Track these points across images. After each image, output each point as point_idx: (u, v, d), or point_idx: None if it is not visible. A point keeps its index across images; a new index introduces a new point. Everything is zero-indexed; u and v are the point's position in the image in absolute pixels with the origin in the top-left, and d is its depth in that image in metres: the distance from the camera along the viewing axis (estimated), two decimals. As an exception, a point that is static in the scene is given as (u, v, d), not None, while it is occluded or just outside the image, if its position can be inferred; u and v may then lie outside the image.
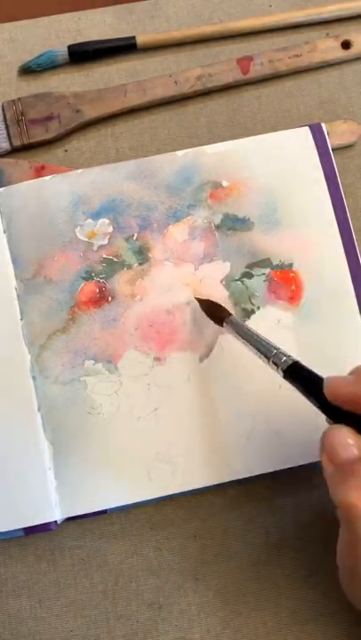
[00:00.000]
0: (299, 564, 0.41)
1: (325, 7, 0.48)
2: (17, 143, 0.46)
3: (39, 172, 0.45)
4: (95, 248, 0.43)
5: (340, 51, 0.48)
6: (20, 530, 0.40)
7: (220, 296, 0.42)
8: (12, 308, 0.42)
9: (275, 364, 0.36)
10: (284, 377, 0.36)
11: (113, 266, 0.43)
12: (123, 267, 0.43)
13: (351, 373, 0.35)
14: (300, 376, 0.35)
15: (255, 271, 0.43)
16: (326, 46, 0.48)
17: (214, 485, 0.41)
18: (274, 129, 0.47)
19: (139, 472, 0.40)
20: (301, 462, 0.41)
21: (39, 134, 0.46)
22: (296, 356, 0.36)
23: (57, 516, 0.40)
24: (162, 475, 0.40)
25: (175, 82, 0.47)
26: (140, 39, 0.48)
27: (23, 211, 0.43)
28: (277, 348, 0.36)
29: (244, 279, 0.43)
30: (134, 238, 0.43)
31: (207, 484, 0.40)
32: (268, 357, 0.36)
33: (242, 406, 0.41)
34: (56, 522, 0.40)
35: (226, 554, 0.41)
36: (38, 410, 0.41)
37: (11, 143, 0.46)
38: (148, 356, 0.42)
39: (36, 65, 0.47)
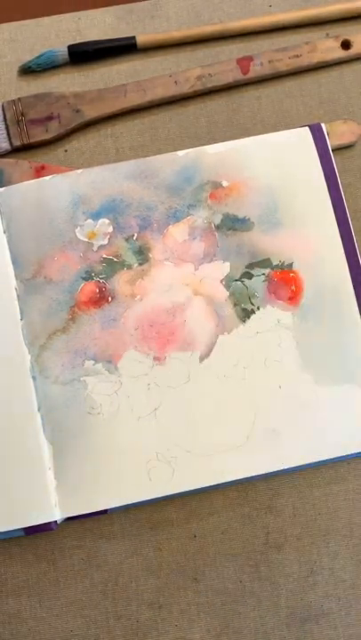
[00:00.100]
0: (299, 565, 0.41)
1: (325, 7, 0.48)
2: (17, 143, 0.46)
3: (39, 172, 0.45)
4: (95, 248, 0.43)
5: (340, 51, 0.48)
6: (19, 530, 0.40)
7: (220, 296, 0.42)
8: (12, 307, 0.42)
9: None
10: None
11: (113, 266, 0.43)
12: (123, 267, 0.43)
13: None
14: None
15: (255, 271, 0.43)
16: (326, 46, 0.48)
17: (214, 485, 0.41)
18: (274, 129, 0.47)
19: (139, 472, 0.40)
20: (301, 462, 0.41)
21: (39, 134, 0.46)
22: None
23: (57, 515, 0.40)
24: (162, 475, 0.40)
25: (175, 82, 0.47)
26: (140, 39, 0.48)
27: (23, 211, 0.43)
28: None
29: (244, 279, 0.43)
30: (134, 238, 0.43)
31: (207, 484, 0.40)
32: None
33: (242, 406, 0.41)
34: (56, 522, 0.40)
35: (226, 554, 0.41)
36: (38, 410, 0.41)
37: (11, 143, 0.46)
38: (148, 355, 0.42)
39: (36, 65, 0.47)
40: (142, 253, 0.43)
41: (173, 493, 0.40)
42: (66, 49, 0.47)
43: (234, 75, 0.47)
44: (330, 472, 0.42)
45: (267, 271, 0.43)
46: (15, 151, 0.46)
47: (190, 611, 0.41)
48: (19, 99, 0.46)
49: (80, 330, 0.42)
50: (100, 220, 0.43)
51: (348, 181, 0.46)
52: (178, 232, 0.43)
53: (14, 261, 0.42)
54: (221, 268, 0.43)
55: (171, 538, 0.41)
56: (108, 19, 0.49)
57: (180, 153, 0.44)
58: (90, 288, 0.42)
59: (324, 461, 0.41)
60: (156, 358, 0.42)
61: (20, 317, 0.42)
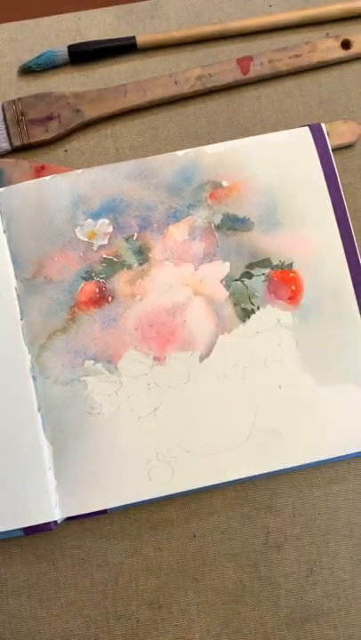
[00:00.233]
0: (299, 564, 0.41)
1: (325, 7, 0.48)
2: (17, 143, 0.46)
3: (39, 172, 0.45)
4: (95, 248, 0.43)
5: (340, 51, 0.48)
6: (19, 530, 0.40)
7: (220, 296, 0.42)
8: (12, 307, 0.42)
9: None
10: None
11: (113, 266, 0.43)
12: (123, 267, 0.43)
13: None
14: None
15: (255, 271, 0.43)
16: (326, 46, 0.48)
17: (214, 485, 0.41)
18: (274, 129, 0.47)
19: (139, 472, 0.40)
20: (301, 462, 0.41)
21: (39, 134, 0.46)
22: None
23: (57, 515, 0.40)
24: (162, 475, 0.40)
25: (175, 82, 0.47)
26: (140, 39, 0.48)
27: (23, 211, 0.43)
28: None
29: (244, 279, 0.43)
30: (134, 238, 0.43)
31: (207, 484, 0.40)
32: None
33: (242, 406, 0.41)
34: (56, 522, 0.40)
35: (226, 554, 0.41)
36: (38, 410, 0.41)
37: (11, 143, 0.46)
38: (148, 355, 0.42)
39: (36, 65, 0.47)
40: (142, 253, 0.43)
41: (173, 493, 0.40)
42: (66, 49, 0.47)
43: (234, 75, 0.47)
44: (330, 472, 0.42)
45: (267, 271, 0.43)
46: (15, 151, 0.46)
47: (190, 611, 0.41)
48: (19, 99, 0.46)
49: (80, 330, 0.42)
50: (100, 220, 0.43)
51: (348, 181, 0.46)
52: (178, 232, 0.43)
53: (14, 261, 0.42)
54: (221, 268, 0.43)
55: (171, 538, 0.41)
56: (108, 19, 0.49)
57: (180, 153, 0.44)
58: (90, 288, 0.42)
59: (324, 461, 0.41)
60: (156, 358, 0.42)
61: (20, 317, 0.42)
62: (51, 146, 0.47)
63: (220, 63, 0.47)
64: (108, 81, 0.48)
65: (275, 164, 0.44)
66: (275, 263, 0.43)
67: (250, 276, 0.43)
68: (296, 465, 0.41)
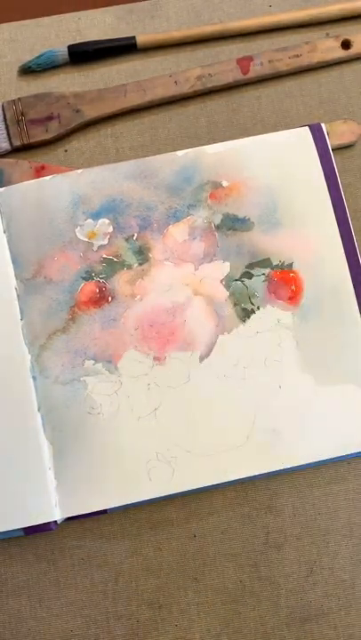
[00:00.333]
0: (299, 564, 0.41)
1: (325, 7, 0.48)
2: (17, 143, 0.46)
3: (39, 172, 0.45)
4: (95, 248, 0.43)
5: (340, 51, 0.48)
6: (19, 530, 0.40)
7: (220, 296, 0.42)
8: (12, 307, 0.42)
9: None
10: None
11: (113, 266, 0.43)
12: (123, 267, 0.43)
13: None
14: None
15: (255, 271, 0.43)
16: (326, 46, 0.48)
17: (214, 485, 0.41)
18: (274, 129, 0.47)
19: (139, 472, 0.40)
20: (301, 462, 0.41)
21: (39, 134, 0.46)
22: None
23: (57, 515, 0.40)
24: (162, 475, 0.40)
25: (175, 82, 0.47)
26: (140, 39, 0.48)
27: (23, 211, 0.43)
28: None
29: (244, 279, 0.43)
30: (134, 238, 0.43)
31: (207, 484, 0.40)
32: None
33: (242, 406, 0.41)
34: (56, 522, 0.40)
35: (226, 554, 0.41)
36: (38, 410, 0.41)
37: (11, 143, 0.46)
38: (148, 355, 0.42)
39: (36, 65, 0.47)
40: (142, 253, 0.43)
41: (173, 493, 0.40)
42: (66, 49, 0.47)
43: (234, 75, 0.47)
44: (330, 472, 0.42)
45: (267, 271, 0.43)
46: (15, 151, 0.46)
47: (190, 611, 0.41)
48: (19, 99, 0.46)
49: (80, 330, 0.42)
50: (100, 220, 0.43)
51: (348, 181, 0.46)
52: (178, 232, 0.43)
53: (14, 261, 0.42)
54: (221, 268, 0.43)
55: (171, 538, 0.41)
56: (108, 19, 0.49)
57: (180, 153, 0.44)
58: (90, 288, 0.42)
59: (324, 461, 0.41)
60: (156, 358, 0.42)
61: (20, 317, 0.42)
62: (51, 146, 0.47)
63: (220, 63, 0.47)
64: (108, 81, 0.48)
65: (275, 163, 0.44)
66: (275, 263, 0.43)
67: (250, 275, 0.43)
68: (296, 465, 0.41)
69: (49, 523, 0.39)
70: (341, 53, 0.48)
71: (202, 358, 0.42)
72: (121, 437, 0.41)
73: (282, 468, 0.41)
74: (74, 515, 0.40)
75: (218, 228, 0.43)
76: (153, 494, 0.40)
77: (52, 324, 0.42)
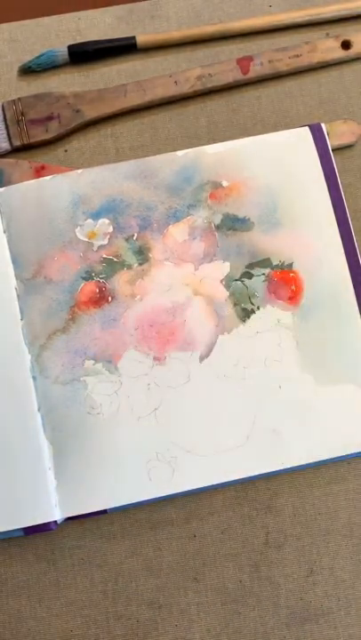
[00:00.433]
0: (299, 564, 0.41)
1: (325, 7, 0.48)
2: (17, 143, 0.46)
3: (39, 172, 0.45)
4: (95, 248, 0.43)
5: (340, 51, 0.48)
6: (19, 530, 0.40)
7: (220, 296, 0.42)
8: (12, 307, 0.42)
9: None
10: None
11: (113, 266, 0.43)
12: (123, 267, 0.43)
13: None
14: None
15: (255, 271, 0.43)
16: (326, 46, 0.48)
17: (214, 485, 0.41)
18: (274, 129, 0.47)
19: (139, 472, 0.40)
20: (301, 462, 0.41)
21: (39, 134, 0.46)
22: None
23: (57, 515, 0.40)
24: (162, 475, 0.40)
25: (175, 82, 0.47)
26: (140, 39, 0.48)
27: (23, 211, 0.43)
28: None
29: (244, 279, 0.43)
30: (134, 238, 0.43)
31: (207, 484, 0.40)
32: None
33: (242, 406, 0.41)
34: (56, 522, 0.40)
35: (226, 554, 0.41)
36: (38, 410, 0.41)
37: (11, 143, 0.46)
38: (148, 355, 0.42)
39: (36, 65, 0.47)
40: (142, 253, 0.43)
41: (173, 493, 0.40)
42: (66, 49, 0.47)
43: (234, 75, 0.47)
44: (330, 472, 0.42)
45: (267, 271, 0.43)
46: (15, 151, 0.46)
47: (190, 611, 0.41)
48: (19, 99, 0.46)
49: (80, 330, 0.42)
50: (100, 220, 0.43)
51: (349, 181, 0.46)
52: (178, 232, 0.43)
53: (14, 261, 0.42)
54: (221, 268, 0.43)
55: (171, 538, 0.41)
56: (108, 19, 0.49)
57: (180, 153, 0.44)
58: (90, 288, 0.42)
59: (324, 461, 0.41)
60: (156, 358, 0.42)
61: (20, 317, 0.42)
62: (51, 146, 0.47)
63: (220, 63, 0.47)
64: (108, 81, 0.48)
65: (275, 163, 0.44)
66: (275, 263, 0.43)
67: (250, 276, 0.43)
68: (296, 465, 0.41)
69: (49, 523, 0.39)
70: (341, 53, 0.48)
71: (202, 358, 0.42)
72: (121, 437, 0.41)
73: (282, 467, 0.41)
74: (74, 515, 0.40)
75: (218, 227, 0.43)
76: (153, 494, 0.40)
77: (52, 324, 0.42)
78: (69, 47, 0.48)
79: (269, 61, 0.47)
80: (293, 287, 0.43)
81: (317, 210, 0.43)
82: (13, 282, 0.42)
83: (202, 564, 0.41)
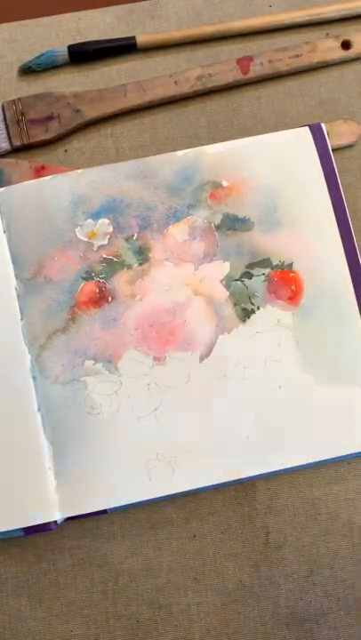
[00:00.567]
0: (299, 564, 0.41)
1: (325, 7, 0.48)
2: (17, 143, 0.46)
3: (39, 172, 0.45)
4: (95, 248, 0.43)
5: (340, 51, 0.48)
6: (19, 530, 0.40)
7: (220, 296, 0.42)
8: (12, 307, 0.42)
9: None
10: None
11: (113, 266, 0.43)
12: (123, 267, 0.43)
13: None
14: None
15: (255, 271, 0.43)
16: (326, 46, 0.48)
17: (214, 485, 0.41)
18: (274, 129, 0.47)
19: (139, 472, 0.40)
20: (301, 462, 0.41)
21: (39, 134, 0.46)
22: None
23: (57, 515, 0.40)
24: (162, 475, 0.40)
25: (175, 82, 0.47)
26: (140, 39, 0.48)
27: (23, 211, 0.43)
28: None
29: (244, 279, 0.43)
30: (134, 238, 0.43)
31: (207, 484, 0.40)
32: None
33: (242, 406, 0.41)
34: (56, 522, 0.40)
35: (226, 554, 0.41)
36: (38, 410, 0.41)
37: (11, 143, 0.46)
38: (148, 355, 0.42)
39: (36, 65, 0.47)
40: (142, 253, 0.43)
41: (173, 493, 0.40)
42: (66, 49, 0.47)
43: (234, 75, 0.47)
44: (330, 472, 0.42)
45: (267, 271, 0.43)
46: (15, 151, 0.46)
47: (190, 611, 0.41)
48: (19, 99, 0.46)
49: (80, 330, 0.42)
50: (100, 220, 0.43)
51: (348, 181, 0.46)
52: (178, 232, 0.43)
53: (14, 261, 0.42)
54: (221, 268, 0.43)
55: (171, 538, 0.41)
56: (108, 19, 0.49)
57: (180, 153, 0.44)
58: (90, 288, 0.42)
59: (324, 461, 0.41)
60: (156, 358, 0.42)
61: (20, 317, 0.42)
62: (51, 146, 0.47)
63: (220, 63, 0.47)
64: (108, 81, 0.48)
65: (275, 164, 0.44)
66: (275, 263, 0.43)
67: (250, 275, 0.43)
68: (296, 465, 0.41)
69: (49, 523, 0.39)
70: (341, 53, 0.48)
71: (202, 358, 0.42)
72: (121, 437, 0.41)
73: (282, 468, 0.41)
74: (74, 515, 0.40)
75: (218, 227, 0.43)
76: (153, 494, 0.40)
77: (52, 324, 0.42)
78: (69, 47, 0.48)
79: (269, 61, 0.47)
80: (293, 287, 0.43)
81: (317, 210, 0.43)
82: (13, 282, 0.42)
83: (202, 563, 0.41)
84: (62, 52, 0.47)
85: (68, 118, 0.46)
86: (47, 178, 0.43)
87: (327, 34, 0.49)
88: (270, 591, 0.41)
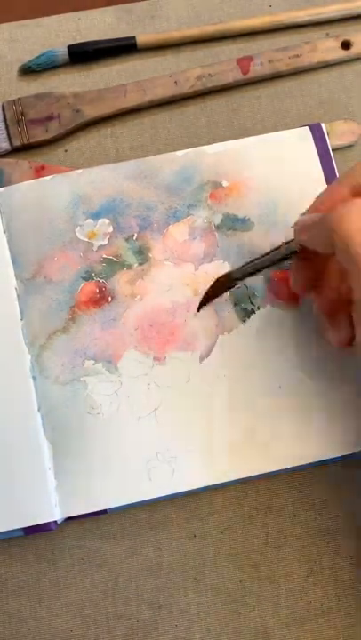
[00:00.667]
0: (299, 564, 0.41)
1: (325, 7, 0.48)
2: (17, 143, 0.46)
3: (39, 172, 0.45)
4: (95, 248, 0.43)
5: (340, 51, 0.48)
6: (19, 530, 0.40)
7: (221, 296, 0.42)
8: (12, 308, 0.42)
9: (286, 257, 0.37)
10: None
11: (113, 266, 0.43)
12: (123, 267, 0.43)
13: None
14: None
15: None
16: (326, 46, 0.48)
17: (214, 485, 0.41)
18: (274, 129, 0.47)
19: (139, 472, 0.40)
20: (302, 462, 0.41)
21: (39, 134, 0.46)
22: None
23: (57, 515, 0.40)
24: (162, 475, 0.40)
25: (175, 82, 0.47)
26: (140, 39, 0.48)
27: (23, 211, 0.43)
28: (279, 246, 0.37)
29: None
30: (134, 238, 0.43)
31: (207, 484, 0.40)
32: (283, 258, 0.37)
33: (242, 406, 0.41)
34: (56, 522, 0.40)
35: (226, 554, 0.41)
36: (38, 410, 0.41)
37: (11, 143, 0.46)
38: (148, 355, 0.42)
39: (36, 65, 0.47)
40: (142, 253, 0.43)
41: (173, 493, 0.40)
42: (66, 49, 0.47)
43: (234, 75, 0.47)
44: (330, 472, 0.42)
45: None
46: (15, 151, 0.46)
47: (190, 611, 0.41)
48: (19, 99, 0.46)
49: (80, 330, 0.42)
50: (100, 220, 0.43)
51: (348, 181, 0.46)
52: (178, 232, 0.43)
53: (14, 261, 0.42)
54: (221, 268, 0.43)
55: (171, 538, 0.41)
56: (108, 19, 0.49)
57: (180, 153, 0.44)
58: (90, 288, 0.42)
59: (324, 461, 0.41)
60: (156, 358, 0.42)
61: (20, 317, 0.42)
62: (51, 146, 0.47)
63: (220, 63, 0.47)
64: (108, 81, 0.48)
65: (275, 164, 0.44)
66: (275, 263, 0.43)
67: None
68: (296, 465, 0.41)
69: (49, 523, 0.39)
70: (341, 53, 0.48)
71: (202, 358, 0.42)
72: (121, 437, 0.41)
73: (282, 467, 0.41)
74: (74, 515, 0.40)
75: (218, 227, 0.43)
76: (153, 494, 0.40)
77: (52, 324, 0.42)
78: (69, 47, 0.48)
79: (269, 61, 0.47)
80: (293, 287, 0.43)
81: (317, 210, 0.43)
82: (13, 282, 0.42)
83: (202, 563, 0.41)
84: (62, 52, 0.47)
85: (68, 118, 0.46)
86: (47, 178, 0.43)
87: (327, 34, 0.49)
88: (270, 591, 0.41)
